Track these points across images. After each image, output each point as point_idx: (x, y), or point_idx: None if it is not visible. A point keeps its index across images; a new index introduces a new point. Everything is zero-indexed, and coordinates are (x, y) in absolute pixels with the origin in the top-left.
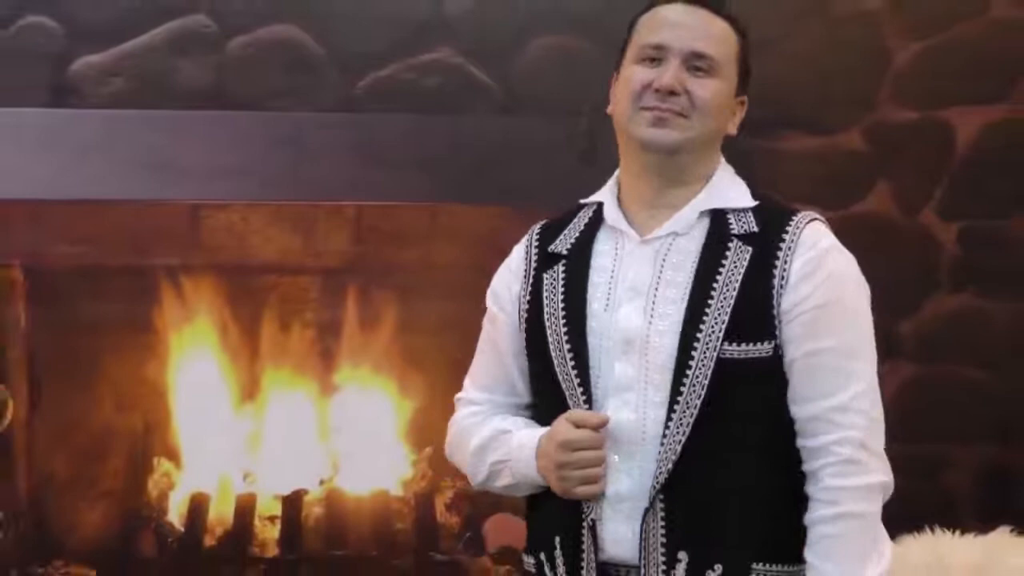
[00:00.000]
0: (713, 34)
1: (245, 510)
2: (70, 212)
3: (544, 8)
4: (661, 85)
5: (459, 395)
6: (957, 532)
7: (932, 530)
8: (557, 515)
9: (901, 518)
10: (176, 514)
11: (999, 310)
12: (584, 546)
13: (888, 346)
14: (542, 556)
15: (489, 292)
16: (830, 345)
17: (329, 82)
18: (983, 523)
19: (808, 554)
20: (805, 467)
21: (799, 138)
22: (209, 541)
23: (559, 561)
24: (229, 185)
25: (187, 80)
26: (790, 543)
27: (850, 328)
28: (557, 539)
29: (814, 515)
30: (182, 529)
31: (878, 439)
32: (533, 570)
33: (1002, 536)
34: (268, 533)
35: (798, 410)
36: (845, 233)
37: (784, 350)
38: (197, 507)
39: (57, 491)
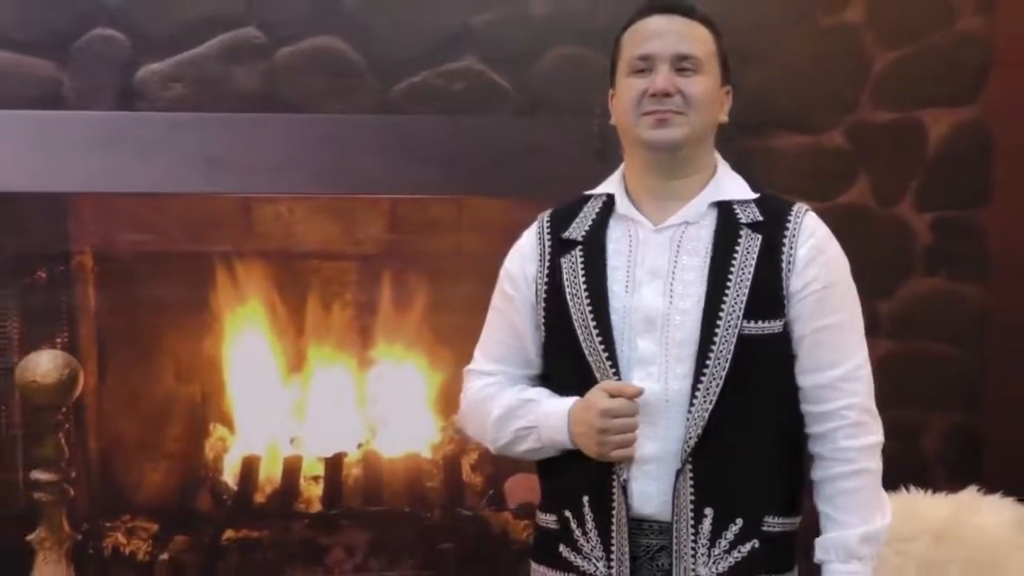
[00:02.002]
0: (692, 36)
1: (292, 470)
2: (135, 204)
3: (558, 22)
4: (656, 89)
5: (470, 367)
6: (930, 491)
7: (907, 489)
8: (584, 476)
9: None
10: (230, 474)
11: (967, 292)
12: (615, 503)
13: (868, 324)
14: (567, 513)
15: (503, 273)
16: (834, 322)
17: (367, 87)
18: (953, 483)
19: (826, 507)
20: (813, 430)
21: (788, 137)
22: (259, 498)
23: (588, 517)
24: (277, 179)
25: (239, 85)
26: (791, 498)
27: (848, 306)
28: (585, 498)
29: (830, 472)
30: (235, 487)
31: (873, 401)
32: (555, 526)
33: (970, 495)
34: (312, 491)
35: (806, 379)
36: (829, 222)
37: (792, 327)
38: (249, 468)
39: (124, 453)
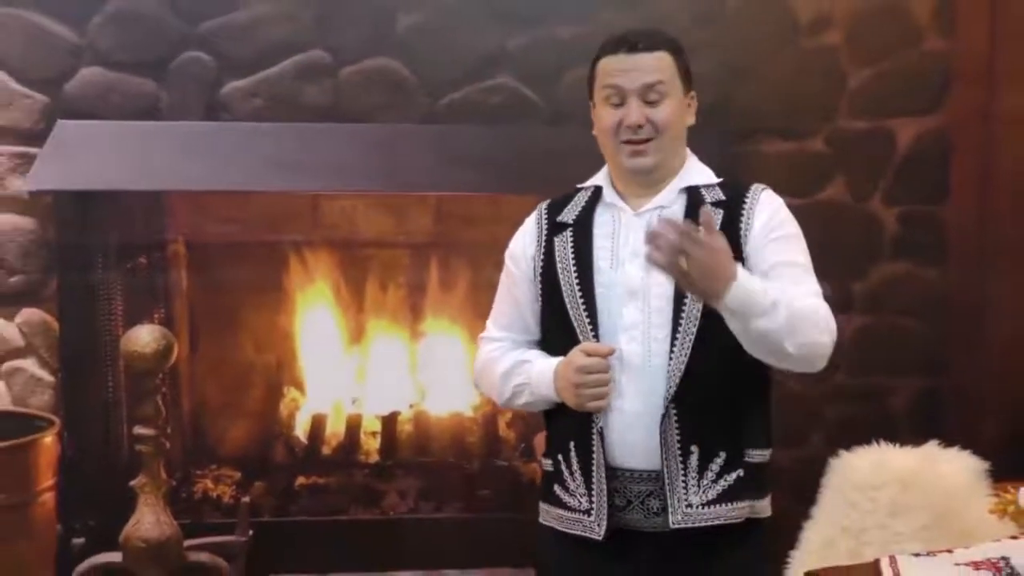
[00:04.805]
0: (655, 67)
1: (353, 426)
2: (221, 200)
3: (580, 45)
4: (630, 123)
5: (482, 334)
6: (897, 444)
7: (878, 443)
8: (571, 426)
9: (853, 434)
10: (301, 430)
11: (929, 275)
12: (594, 447)
13: (844, 302)
14: (559, 457)
15: (507, 253)
16: (794, 259)
17: (417, 101)
18: (917, 439)
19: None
20: None
21: (775, 143)
22: (326, 450)
23: (574, 460)
24: (341, 179)
25: (309, 100)
26: (765, 433)
27: (799, 252)
28: (572, 443)
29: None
30: (306, 441)
31: (830, 314)
32: (551, 469)
33: (931, 448)
34: (371, 444)
35: None
36: (810, 216)
37: (753, 270)
38: (317, 425)
39: (211, 412)
